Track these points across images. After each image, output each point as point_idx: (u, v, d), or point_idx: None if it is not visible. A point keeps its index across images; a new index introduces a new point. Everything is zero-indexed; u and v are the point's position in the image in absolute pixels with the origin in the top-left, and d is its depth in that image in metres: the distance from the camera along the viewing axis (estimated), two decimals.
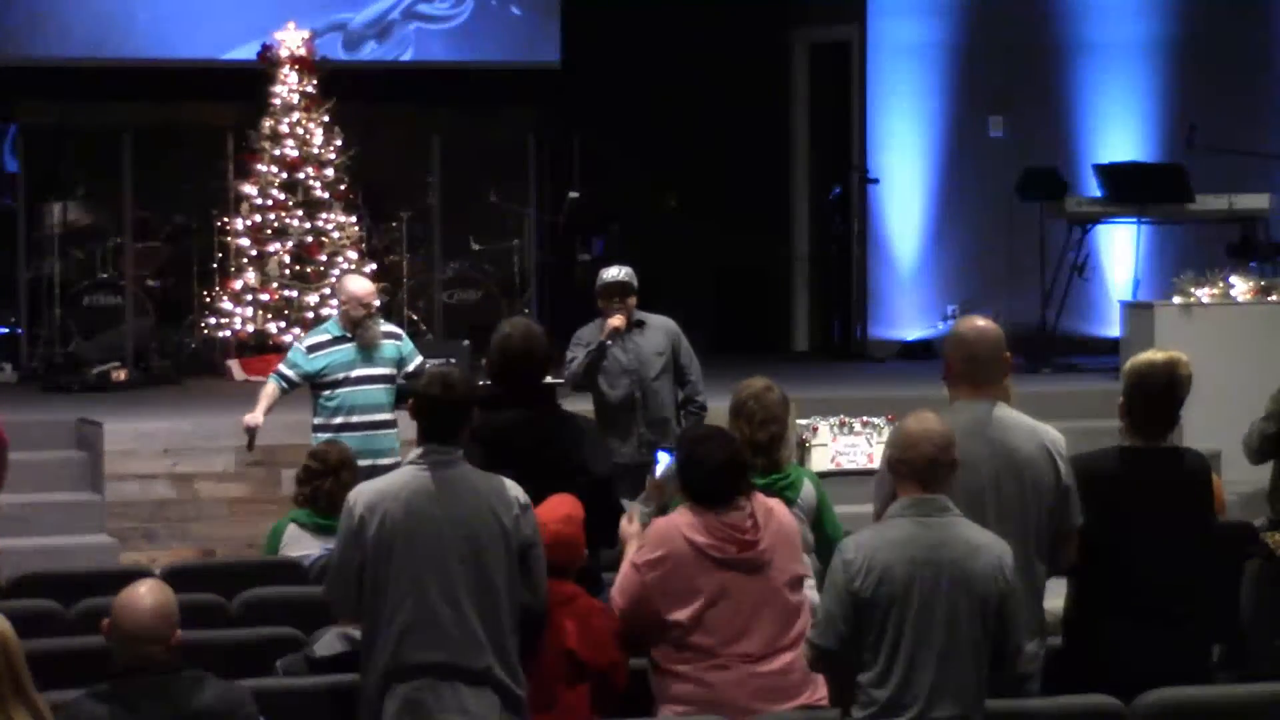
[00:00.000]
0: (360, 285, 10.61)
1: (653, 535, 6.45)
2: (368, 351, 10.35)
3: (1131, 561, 6.52)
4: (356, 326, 10.37)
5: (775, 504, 6.58)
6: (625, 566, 6.47)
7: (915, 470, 5.86)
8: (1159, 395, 6.69)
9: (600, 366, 10.20)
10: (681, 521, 6.42)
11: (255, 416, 10.33)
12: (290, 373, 10.39)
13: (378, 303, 10.64)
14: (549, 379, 11.06)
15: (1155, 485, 6.62)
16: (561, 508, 6.56)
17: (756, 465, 7.21)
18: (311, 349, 10.40)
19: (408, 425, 10.75)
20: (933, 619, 5.73)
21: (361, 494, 6.23)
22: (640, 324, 10.25)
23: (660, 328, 10.30)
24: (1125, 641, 6.47)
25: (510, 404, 7.04)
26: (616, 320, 10.13)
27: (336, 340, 10.40)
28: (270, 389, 10.41)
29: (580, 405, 10.99)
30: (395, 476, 6.30)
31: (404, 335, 10.73)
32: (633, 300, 10.20)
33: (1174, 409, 6.72)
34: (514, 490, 6.25)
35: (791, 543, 6.49)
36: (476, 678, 6.09)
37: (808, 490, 7.46)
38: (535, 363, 7.16)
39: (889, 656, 5.75)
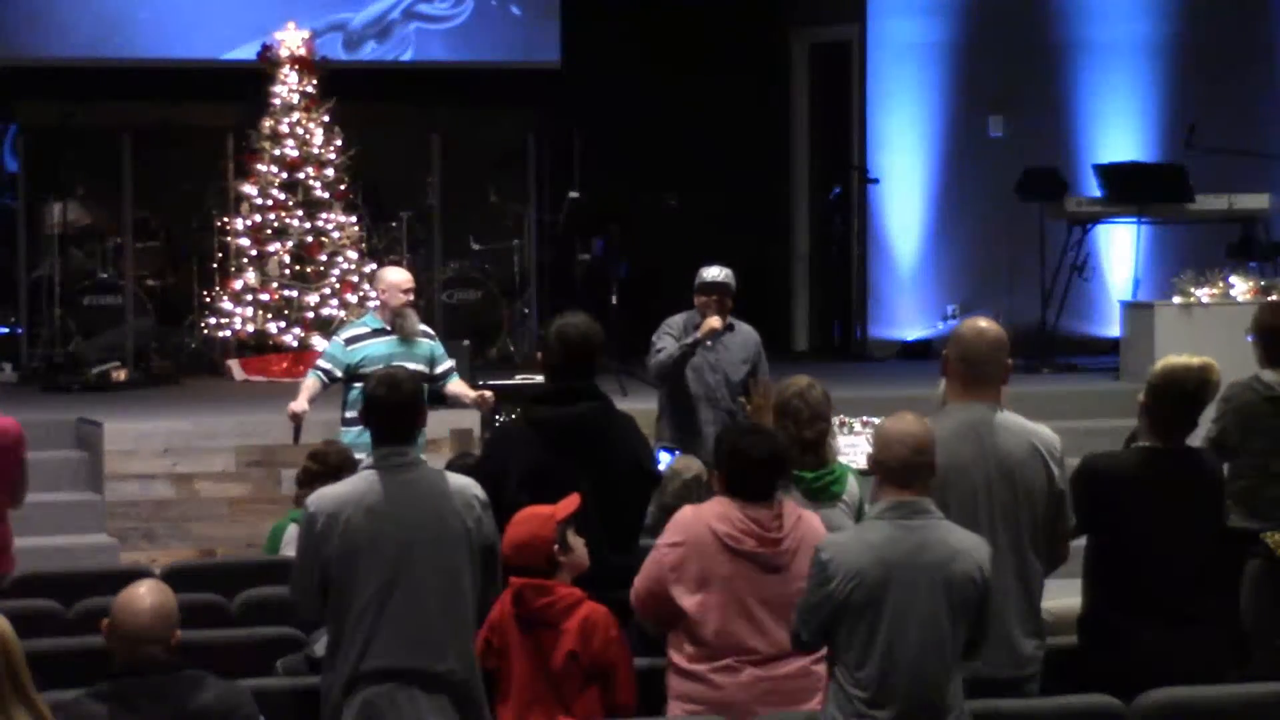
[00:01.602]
0: (399, 274, 10.62)
1: (677, 519, 6.46)
2: (407, 346, 10.32)
3: (1154, 561, 6.52)
4: (396, 317, 10.38)
5: (809, 514, 6.56)
6: (651, 553, 6.47)
7: (891, 471, 5.86)
8: (1188, 400, 6.69)
9: (690, 362, 10.31)
10: (708, 510, 6.43)
11: (300, 404, 10.29)
12: (330, 366, 10.35)
13: (413, 285, 10.64)
14: None
15: (1176, 486, 6.62)
16: (524, 512, 6.52)
17: (805, 463, 7.20)
18: (350, 341, 10.35)
19: (435, 424, 10.89)
20: (909, 621, 5.72)
21: (322, 500, 6.20)
22: (731, 328, 10.39)
23: (749, 337, 10.48)
24: (1149, 641, 6.46)
25: (568, 399, 6.98)
26: (715, 321, 10.24)
27: (376, 333, 10.37)
28: (310, 382, 10.39)
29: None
30: (355, 481, 6.26)
31: (436, 336, 10.75)
32: (730, 303, 10.34)
33: (1198, 413, 6.74)
34: (474, 490, 6.25)
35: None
36: (436, 683, 6.09)
37: (852, 486, 7.47)
38: (592, 356, 7.10)
39: (865, 657, 5.75)
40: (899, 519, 5.82)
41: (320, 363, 10.48)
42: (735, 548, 6.33)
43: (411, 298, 10.48)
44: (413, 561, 6.08)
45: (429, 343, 10.51)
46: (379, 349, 10.25)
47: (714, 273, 10.35)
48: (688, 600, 6.33)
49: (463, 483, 6.26)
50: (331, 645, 6.17)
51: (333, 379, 10.37)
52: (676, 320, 10.44)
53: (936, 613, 5.74)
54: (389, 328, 10.36)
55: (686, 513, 6.50)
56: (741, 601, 6.32)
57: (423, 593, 6.08)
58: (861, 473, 8.07)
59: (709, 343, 10.27)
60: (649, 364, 10.51)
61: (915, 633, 5.72)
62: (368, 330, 10.41)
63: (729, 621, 6.31)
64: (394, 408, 6.25)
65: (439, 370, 10.41)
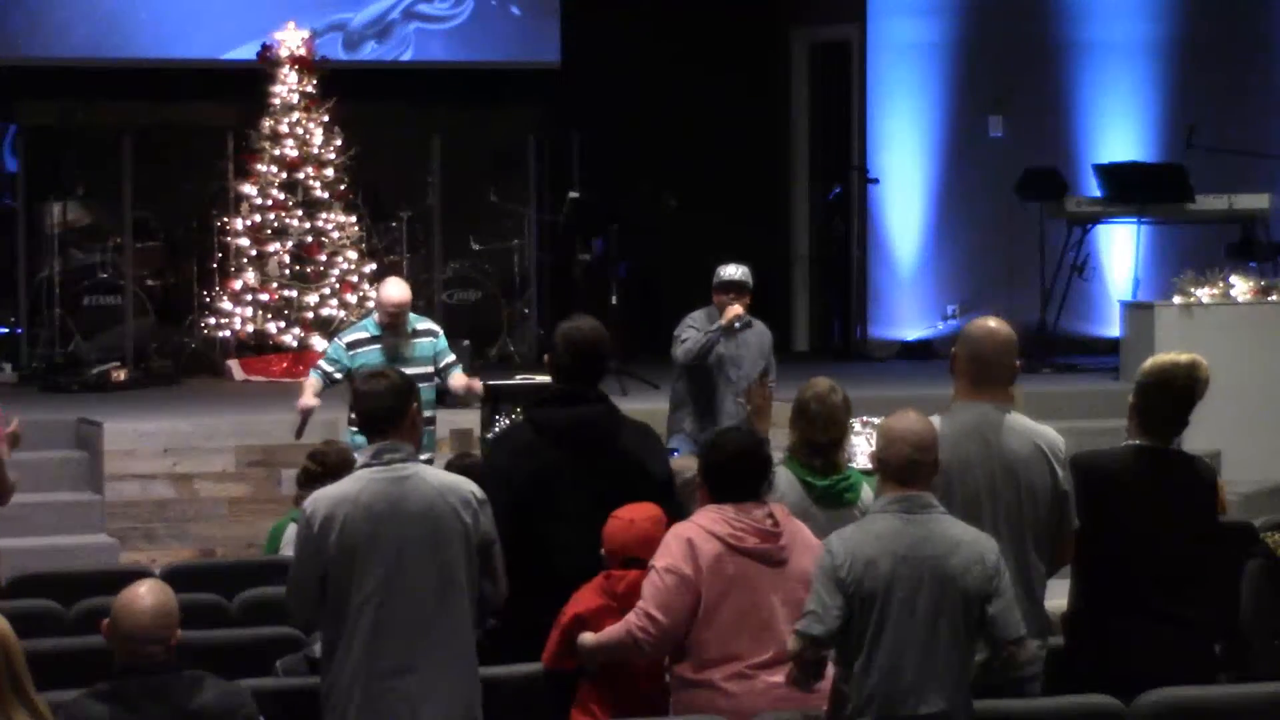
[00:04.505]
0: (388, 291, 10.62)
1: (670, 540, 6.33)
2: (399, 352, 10.36)
3: (1143, 560, 6.51)
4: (385, 330, 10.43)
5: (794, 518, 6.52)
6: (651, 580, 6.30)
7: (894, 469, 5.87)
8: (1178, 397, 6.67)
9: (714, 354, 10.76)
10: (699, 519, 6.35)
11: (308, 399, 10.35)
12: (330, 369, 10.47)
13: (405, 303, 10.56)
14: None
15: (1165, 485, 6.61)
16: (651, 509, 6.58)
17: (815, 467, 7.16)
18: (351, 346, 10.47)
19: (443, 423, 10.91)
20: (914, 613, 5.73)
21: (319, 501, 6.18)
22: (750, 324, 10.88)
23: (765, 335, 11.00)
24: (1134, 641, 6.46)
25: (574, 401, 6.95)
26: (738, 308, 10.71)
27: (374, 339, 10.47)
28: (313, 381, 10.50)
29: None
30: (351, 481, 6.24)
31: (440, 332, 10.75)
32: (747, 299, 10.77)
33: (1189, 411, 6.71)
34: (469, 486, 6.23)
35: (810, 548, 6.42)
36: (436, 681, 6.08)
37: (866, 493, 7.40)
38: (598, 359, 7.06)
39: (871, 651, 5.75)
40: (902, 512, 5.83)
41: (322, 363, 10.58)
42: (739, 546, 6.28)
43: (402, 315, 10.49)
44: (410, 558, 6.08)
45: (429, 341, 10.57)
46: (374, 356, 10.34)
47: (731, 271, 10.79)
48: (702, 617, 6.24)
49: (458, 480, 6.26)
50: (328, 644, 6.16)
51: (333, 380, 10.43)
52: (698, 314, 10.90)
53: (940, 604, 5.74)
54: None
55: (676, 528, 6.37)
56: (751, 604, 6.25)
57: (420, 590, 6.08)
58: (864, 473, 8.07)
59: (737, 324, 10.72)
60: (675, 352, 10.88)
61: (921, 624, 5.72)
62: (367, 335, 10.52)
63: (739, 626, 6.24)
64: (382, 404, 6.24)
65: (441, 365, 10.46)
